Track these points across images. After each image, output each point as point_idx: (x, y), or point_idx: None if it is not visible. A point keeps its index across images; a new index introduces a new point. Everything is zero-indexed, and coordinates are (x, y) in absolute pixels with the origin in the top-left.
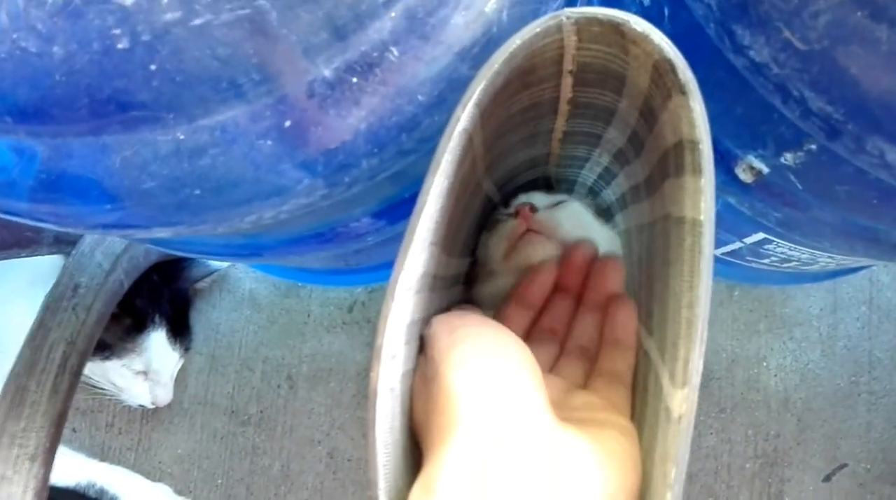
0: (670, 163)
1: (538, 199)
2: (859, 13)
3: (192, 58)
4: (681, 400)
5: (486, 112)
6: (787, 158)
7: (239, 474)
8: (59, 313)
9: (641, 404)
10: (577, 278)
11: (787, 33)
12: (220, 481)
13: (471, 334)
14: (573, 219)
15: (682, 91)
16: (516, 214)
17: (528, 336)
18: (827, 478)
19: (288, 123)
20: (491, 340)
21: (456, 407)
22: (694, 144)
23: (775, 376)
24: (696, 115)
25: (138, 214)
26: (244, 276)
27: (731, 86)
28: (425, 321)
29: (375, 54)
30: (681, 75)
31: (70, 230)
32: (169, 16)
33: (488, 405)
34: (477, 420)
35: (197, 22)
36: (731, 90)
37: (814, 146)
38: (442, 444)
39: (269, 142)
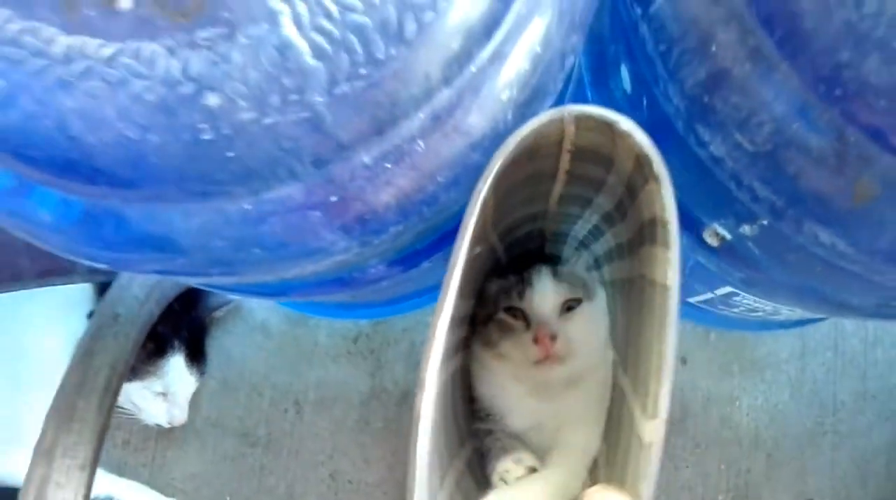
0: (646, 233)
1: (542, 289)
2: (794, 125)
3: (262, 148)
4: (651, 430)
5: (499, 181)
6: (745, 229)
7: (246, 493)
8: (102, 340)
9: (615, 436)
10: None
11: (738, 136)
12: (228, 498)
13: None
14: (585, 323)
15: (657, 180)
16: (535, 340)
17: None
18: None
19: (334, 199)
20: None
21: None
22: (665, 223)
23: (747, 415)
24: (666, 200)
25: (207, 266)
26: (257, 306)
27: (699, 171)
28: (448, 353)
29: (406, 146)
30: (656, 168)
31: (149, 274)
32: (245, 115)
33: None
34: None
35: (267, 121)
36: (699, 171)
37: (765, 222)
38: None
39: (318, 212)
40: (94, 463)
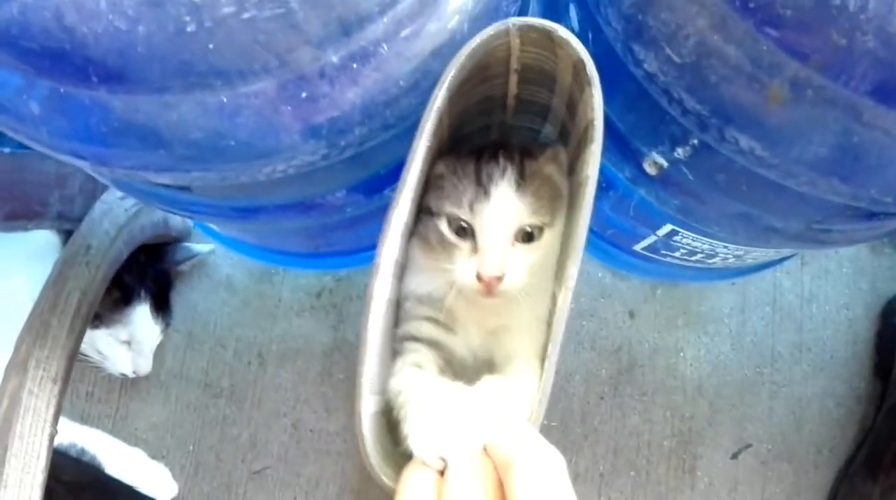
0: (581, 145)
1: (499, 204)
2: (715, 37)
3: (239, 42)
4: (560, 299)
5: (453, 99)
6: (679, 152)
7: (209, 442)
8: (75, 267)
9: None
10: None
11: (668, 50)
12: (191, 447)
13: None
14: (542, 258)
15: (589, 83)
16: (479, 277)
17: None
18: (734, 456)
19: (304, 95)
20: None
21: None
22: (592, 121)
23: (691, 365)
24: (594, 100)
25: (185, 160)
26: (222, 262)
27: (637, 95)
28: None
29: (371, 48)
30: (589, 70)
31: (129, 172)
32: (226, 10)
33: None
34: None
35: (246, 16)
36: (637, 99)
37: (695, 141)
38: None
39: (289, 108)
40: (65, 380)
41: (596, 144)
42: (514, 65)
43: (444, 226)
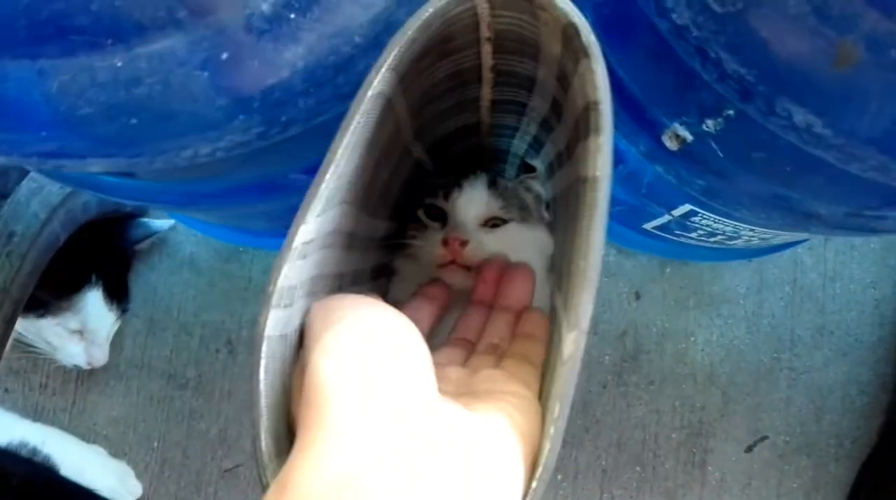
0: (581, 127)
1: (471, 196)
2: None
3: None
4: (570, 342)
5: (407, 78)
6: (708, 124)
7: (176, 437)
8: None
9: (550, 361)
10: (490, 290)
11: None
12: (156, 444)
13: (346, 315)
14: (507, 243)
15: (586, 54)
16: (445, 242)
17: (442, 343)
18: (748, 449)
19: (225, 56)
20: (367, 319)
21: (323, 399)
22: (596, 104)
23: (702, 350)
24: (597, 76)
25: (74, 143)
26: (184, 239)
27: (658, 53)
28: (341, 276)
29: None
30: (584, 38)
31: (4, 160)
32: None
33: (359, 397)
34: (344, 414)
35: None
36: (658, 58)
37: (731, 112)
38: (306, 441)
39: (206, 73)
40: None
41: (604, 136)
42: (486, 33)
43: (420, 213)
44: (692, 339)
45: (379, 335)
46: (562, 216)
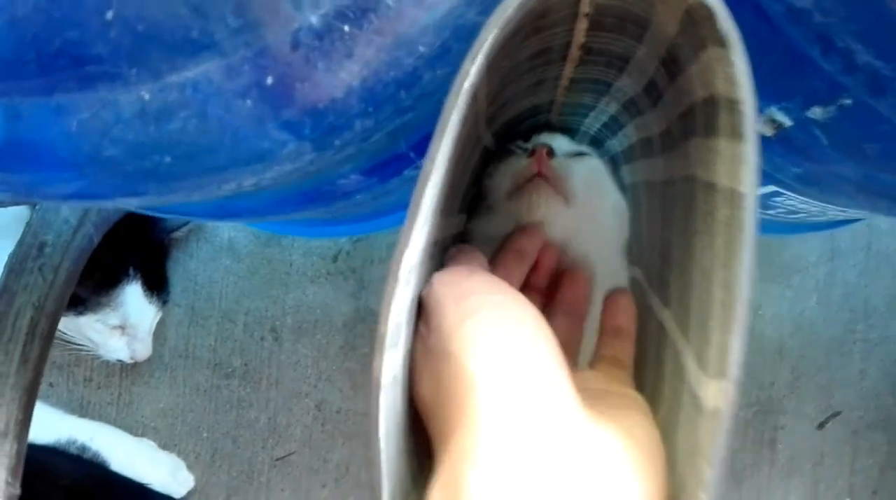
0: (698, 120)
1: (560, 143)
2: None
3: (156, 2)
4: (716, 392)
5: (494, 63)
6: (816, 112)
7: (225, 427)
8: (24, 276)
9: (655, 377)
10: (544, 279)
11: None
12: (205, 434)
13: (484, 303)
14: (589, 176)
15: (721, 43)
16: (532, 152)
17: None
18: (820, 425)
19: (270, 80)
20: (507, 310)
21: (474, 394)
22: (733, 104)
23: (770, 324)
24: (737, 71)
25: (100, 183)
26: (222, 224)
27: (759, 34)
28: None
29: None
30: (721, 24)
31: (26, 202)
32: None
33: (512, 391)
34: (500, 410)
35: None
36: (758, 39)
37: (849, 101)
38: (462, 437)
39: (249, 101)
40: (23, 426)
41: (748, 144)
42: (585, 8)
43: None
44: (760, 312)
45: (522, 330)
46: (654, 209)
